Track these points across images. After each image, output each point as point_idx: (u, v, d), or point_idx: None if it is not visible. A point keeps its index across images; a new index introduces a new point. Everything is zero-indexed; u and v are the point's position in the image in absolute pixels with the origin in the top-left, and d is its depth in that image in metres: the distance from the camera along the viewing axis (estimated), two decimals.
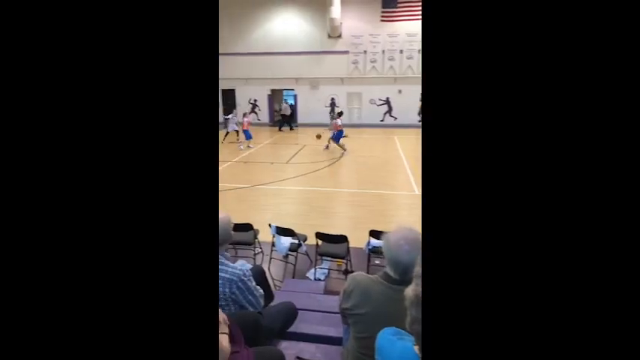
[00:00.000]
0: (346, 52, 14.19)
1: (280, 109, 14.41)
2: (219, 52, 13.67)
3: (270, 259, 3.42)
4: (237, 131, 10.55)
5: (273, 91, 15.42)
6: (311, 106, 15.00)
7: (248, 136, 9.91)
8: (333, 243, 3.16)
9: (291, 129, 14.06)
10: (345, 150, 9.19)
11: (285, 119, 14.10)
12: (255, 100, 15.42)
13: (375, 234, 3.10)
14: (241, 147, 9.75)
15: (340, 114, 9.76)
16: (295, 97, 15.34)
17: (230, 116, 10.82)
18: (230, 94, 15.44)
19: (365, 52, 14.04)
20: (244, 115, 10.54)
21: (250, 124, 10.22)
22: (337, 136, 9.21)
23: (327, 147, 9.46)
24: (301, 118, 15.29)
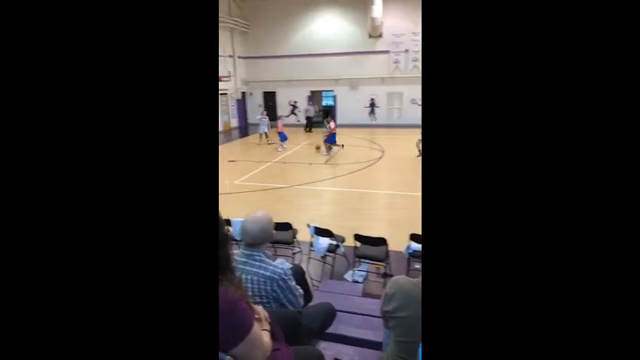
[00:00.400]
0: (387, 52, 13.99)
1: (306, 110, 14.44)
2: (261, 55, 14.06)
3: (309, 259, 3.45)
4: (266, 133, 10.79)
5: (312, 92, 15.58)
6: (350, 107, 14.96)
7: (283, 138, 10.05)
8: (371, 245, 3.12)
9: (306, 131, 13.94)
10: (341, 146, 9.59)
11: (308, 121, 14.09)
12: (295, 102, 15.65)
13: (416, 237, 3.01)
14: (279, 149, 9.93)
15: (329, 117, 9.85)
16: (334, 97, 15.38)
17: (259, 117, 11.10)
18: (271, 96, 15.82)
19: (406, 50, 13.74)
20: (279, 117, 10.72)
21: (284, 125, 10.36)
22: (331, 139, 9.33)
23: (327, 152, 9.46)
24: (340, 118, 15.29)
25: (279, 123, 10.27)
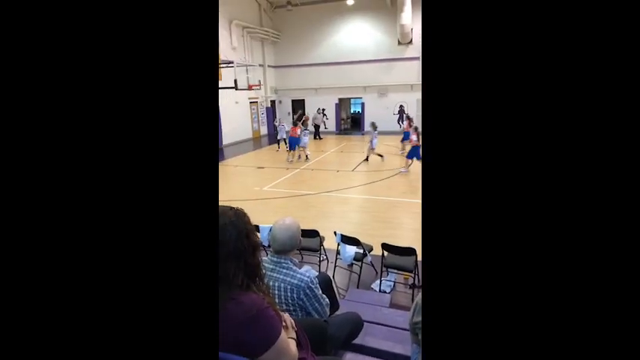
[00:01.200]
0: (417, 59, 13.80)
1: (314, 118, 14.23)
2: (291, 64, 14.30)
3: (335, 267, 3.43)
4: (285, 140, 10.83)
5: (340, 99, 15.64)
6: (379, 114, 14.85)
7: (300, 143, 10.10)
8: (400, 255, 3.05)
9: (320, 139, 13.83)
10: (302, 156, 9.55)
11: (316, 129, 13.93)
12: (324, 110, 15.77)
13: None
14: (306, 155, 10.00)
15: (298, 122, 9.92)
16: (362, 105, 15.36)
17: (276, 123, 11.20)
18: (300, 104, 16.05)
19: None
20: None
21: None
22: (293, 143, 9.41)
23: (307, 157, 9.65)
24: (368, 125, 15.23)
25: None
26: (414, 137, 7.70)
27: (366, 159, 9.12)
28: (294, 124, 9.63)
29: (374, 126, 9.01)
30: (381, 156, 9.07)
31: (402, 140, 9.94)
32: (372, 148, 8.99)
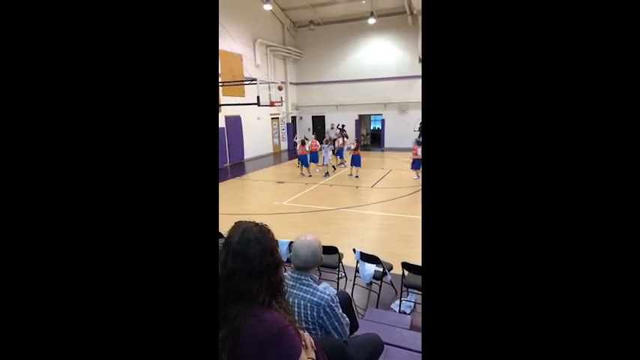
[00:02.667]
0: None
1: (327, 132, 14.18)
2: (312, 81, 14.60)
3: (354, 285, 3.37)
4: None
5: (360, 116, 15.72)
6: (399, 131, 14.81)
7: (312, 159, 10.26)
8: (420, 275, 2.97)
9: (334, 153, 13.86)
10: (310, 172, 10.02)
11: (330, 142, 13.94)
12: (344, 126, 15.86)
13: None
14: (317, 170, 10.17)
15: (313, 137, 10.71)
16: (383, 121, 15.37)
17: (297, 140, 11.44)
18: (320, 121, 16.23)
19: None
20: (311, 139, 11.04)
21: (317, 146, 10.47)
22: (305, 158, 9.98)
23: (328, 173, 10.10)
24: (388, 142, 15.19)
25: (313, 144, 10.44)
26: (352, 147, 9.35)
27: (327, 172, 10.10)
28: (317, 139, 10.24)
29: (330, 140, 10.12)
30: (333, 168, 10.31)
31: (338, 156, 10.90)
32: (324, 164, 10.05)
